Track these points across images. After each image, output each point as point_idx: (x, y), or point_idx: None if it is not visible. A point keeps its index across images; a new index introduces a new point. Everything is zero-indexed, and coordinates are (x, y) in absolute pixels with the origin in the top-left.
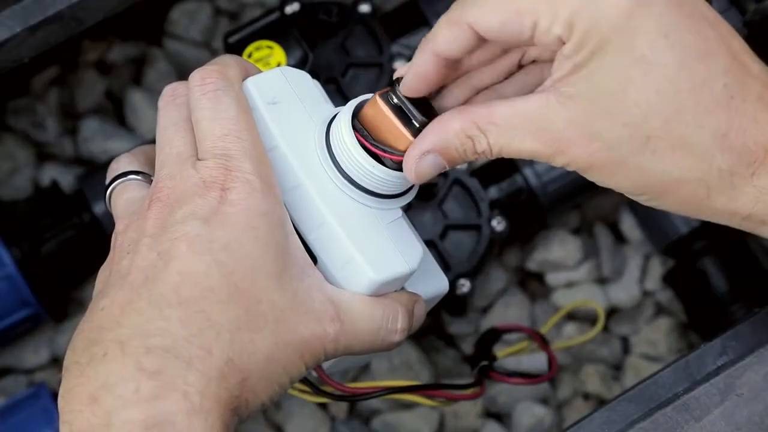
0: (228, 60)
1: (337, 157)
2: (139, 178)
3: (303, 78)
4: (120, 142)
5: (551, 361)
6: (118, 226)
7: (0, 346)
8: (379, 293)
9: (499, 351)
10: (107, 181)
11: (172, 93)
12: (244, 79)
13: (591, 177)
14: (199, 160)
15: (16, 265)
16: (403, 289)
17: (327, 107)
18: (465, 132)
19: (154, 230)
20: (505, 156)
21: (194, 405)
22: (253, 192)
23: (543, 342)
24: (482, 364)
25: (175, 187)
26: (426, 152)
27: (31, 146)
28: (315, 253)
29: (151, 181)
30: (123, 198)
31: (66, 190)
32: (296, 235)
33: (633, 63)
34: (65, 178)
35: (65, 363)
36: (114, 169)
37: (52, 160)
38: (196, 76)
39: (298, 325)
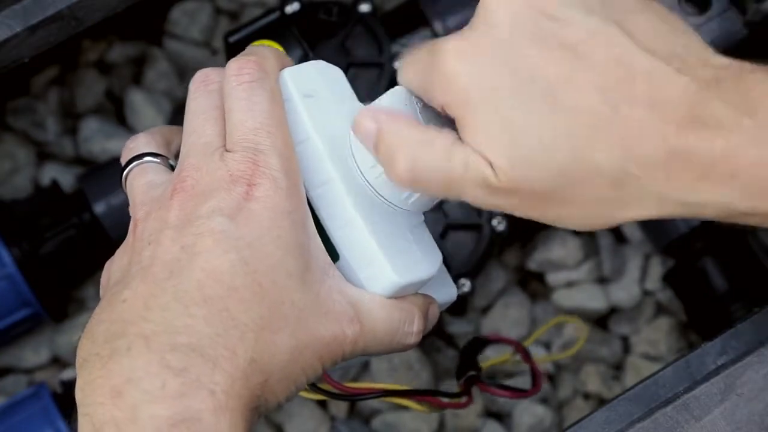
0: (266, 51)
1: None
2: (157, 161)
3: (337, 74)
4: (120, 141)
5: (535, 375)
6: (138, 213)
7: (0, 346)
8: (399, 295)
9: (488, 360)
10: (123, 162)
11: (204, 79)
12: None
13: None
14: (227, 151)
15: (16, 265)
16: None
17: (359, 105)
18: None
19: (178, 222)
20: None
21: (220, 403)
22: (278, 190)
23: (526, 355)
24: (470, 374)
25: (200, 179)
26: (374, 119)
27: (31, 146)
28: (338, 250)
29: (169, 164)
30: (141, 182)
31: (66, 190)
32: (317, 236)
33: (506, 107)
34: (65, 178)
35: (82, 353)
36: (131, 148)
37: (52, 160)
38: (233, 65)
39: (318, 327)
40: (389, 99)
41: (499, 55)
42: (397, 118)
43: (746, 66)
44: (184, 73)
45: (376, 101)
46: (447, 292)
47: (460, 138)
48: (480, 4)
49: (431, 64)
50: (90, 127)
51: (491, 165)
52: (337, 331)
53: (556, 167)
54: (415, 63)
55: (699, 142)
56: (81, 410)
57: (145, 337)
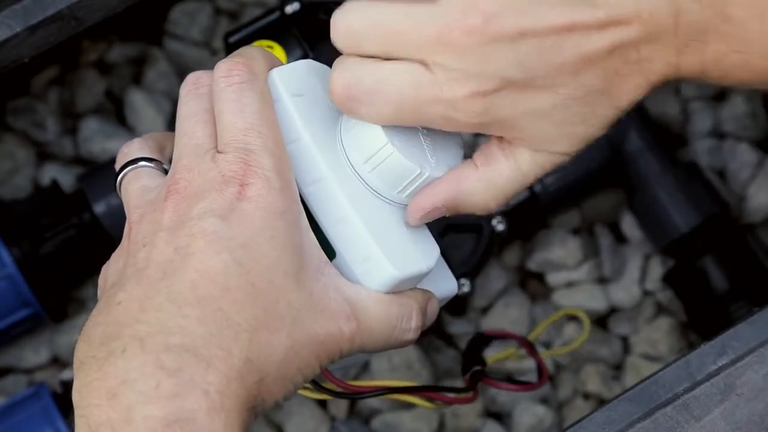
0: (254, 52)
1: None
2: (151, 165)
3: (327, 72)
4: (120, 141)
5: (541, 368)
6: (133, 216)
7: (0, 346)
8: (396, 290)
9: (492, 355)
10: (118, 167)
11: (195, 82)
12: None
13: None
14: (218, 152)
15: (16, 265)
16: (415, 287)
17: None
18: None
19: (171, 224)
20: None
21: (214, 403)
22: (271, 189)
23: (532, 349)
24: (475, 369)
25: (192, 180)
26: (437, 208)
27: (31, 146)
28: (334, 247)
29: (163, 168)
30: (136, 186)
31: (66, 190)
32: (312, 233)
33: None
34: (65, 178)
35: (79, 356)
36: (125, 153)
37: (52, 160)
38: (222, 66)
39: (314, 326)
40: (400, 148)
41: (507, 71)
42: (450, 187)
43: None
44: (184, 73)
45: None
46: (447, 286)
47: (509, 155)
48: (445, 33)
49: (445, 111)
50: (90, 127)
51: (560, 153)
52: (333, 329)
53: (602, 124)
54: (415, 110)
55: (693, 56)
56: (77, 412)
57: (139, 338)
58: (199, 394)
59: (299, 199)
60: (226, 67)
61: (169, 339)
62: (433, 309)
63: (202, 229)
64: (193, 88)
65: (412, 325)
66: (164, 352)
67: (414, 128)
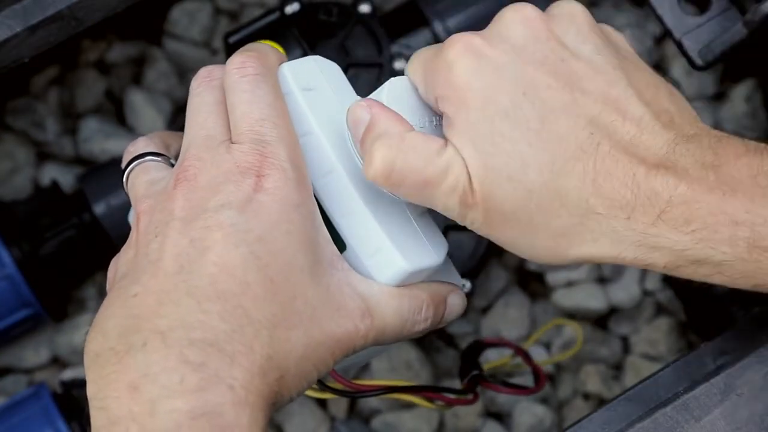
0: (265, 47)
1: None
2: (158, 159)
3: (334, 68)
4: (120, 141)
5: (538, 374)
6: (141, 206)
7: (0, 346)
8: (406, 283)
9: (489, 362)
10: (124, 164)
11: (207, 75)
12: None
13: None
14: (233, 143)
15: (16, 265)
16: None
17: (357, 98)
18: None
19: (184, 213)
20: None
21: (240, 398)
22: (287, 181)
23: (527, 357)
24: (473, 373)
25: (203, 168)
26: (368, 109)
27: (31, 146)
28: (345, 240)
29: (170, 163)
30: (143, 179)
31: (66, 190)
32: (324, 227)
33: (498, 115)
34: (65, 178)
35: (94, 348)
36: (131, 151)
37: (52, 160)
38: (235, 59)
39: (331, 324)
40: (388, 88)
41: (505, 65)
42: (391, 112)
43: (725, 134)
44: (184, 73)
45: (376, 92)
46: (452, 282)
47: (445, 144)
48: (499, 14)
49: (438, 54)
50: (90, 127)
51: (468, 172)
52: (350, 327)
53: (527, 187)
54: (424, 53)
55: (663, 185)
56: (94, 404)
57: (160, 332)
58: (224, 388)
59: (312, 192)
60: (239, 59)
61: (191, 334)
62: (457, 301)
63: (218, 221)
64: (205, 81)
65: (422, 316)
66: (187, 346)
67: (425, 113)
